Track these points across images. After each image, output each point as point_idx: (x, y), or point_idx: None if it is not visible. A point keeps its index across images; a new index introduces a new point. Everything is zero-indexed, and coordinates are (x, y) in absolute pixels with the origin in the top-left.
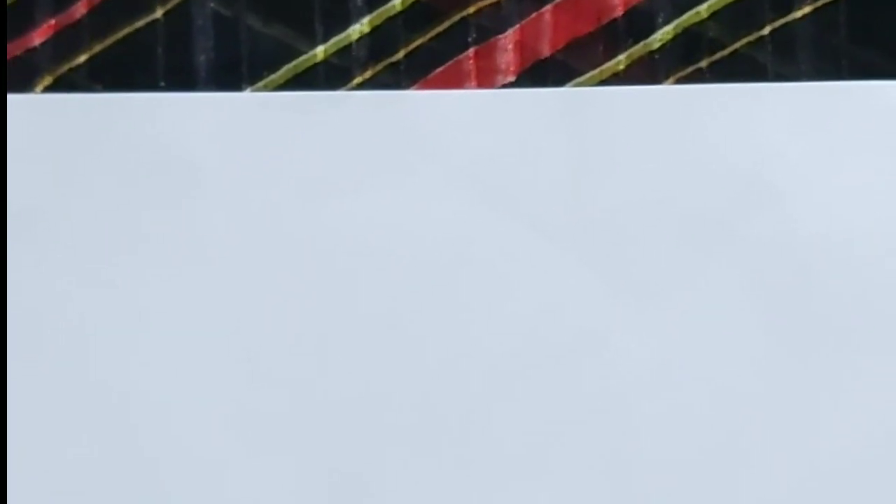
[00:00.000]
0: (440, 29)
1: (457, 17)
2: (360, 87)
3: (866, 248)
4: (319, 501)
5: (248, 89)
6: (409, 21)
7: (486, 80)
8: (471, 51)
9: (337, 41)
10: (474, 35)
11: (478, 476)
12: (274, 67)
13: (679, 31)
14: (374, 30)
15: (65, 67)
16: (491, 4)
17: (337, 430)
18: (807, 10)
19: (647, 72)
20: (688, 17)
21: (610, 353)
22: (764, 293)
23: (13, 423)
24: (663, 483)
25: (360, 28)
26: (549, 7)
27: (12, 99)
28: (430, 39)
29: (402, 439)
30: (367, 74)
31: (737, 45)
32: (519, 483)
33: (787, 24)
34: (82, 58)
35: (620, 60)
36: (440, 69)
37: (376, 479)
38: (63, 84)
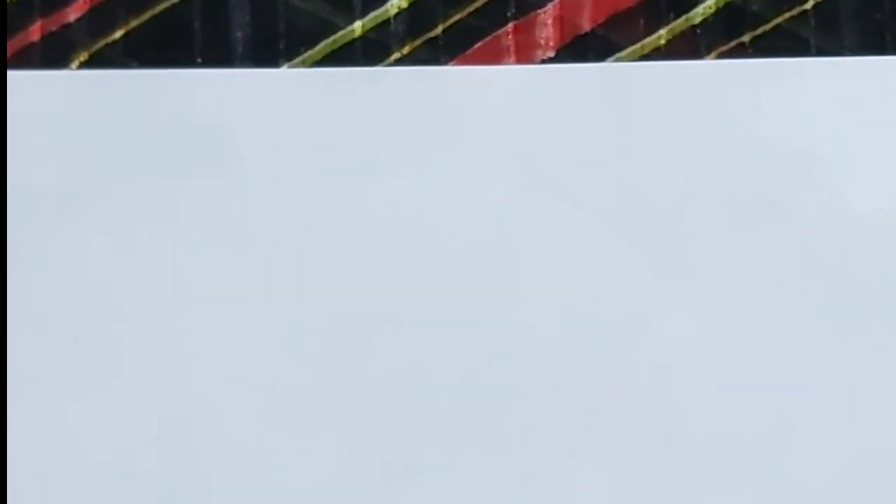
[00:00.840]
0: (479, 4)
1: None
2: (398, 62)
3: None
4: (366, 483)
5: (286, 65)
6: None
7: (524, 55)
8: (510, 26)
9: (375, 16)
10: (513, 10)
11: (523, 455)
12: (311, 43)
13: (721, 5)
14: (412, 5)
15: (101, 43)
16: None
17: (381, 411)
18: None
19: (688, 46)
20: None
21: (655, 334)
22: (812, 271)
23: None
24: (710, 463)
25: (398, 3)
26: None
27: (48, 74)
28: (469, 14)
29: (446, 420)
30: (405, 50)
31: (779, 19)
32: (564, 462)
33: None
34: (118, 33)
35: (661, 35)
36: (479, 45)
37: (422, 460)
38: (99, 60)
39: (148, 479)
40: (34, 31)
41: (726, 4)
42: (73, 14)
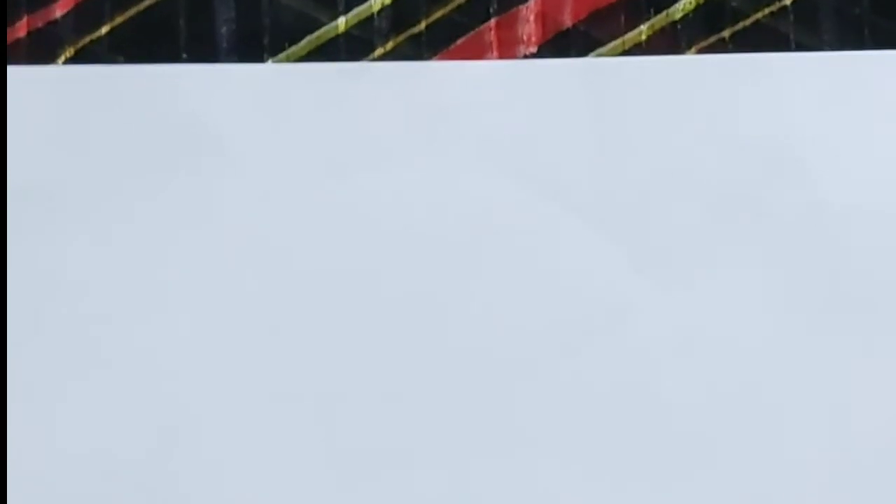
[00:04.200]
0: (461, 0)
1: None
2: (382, 58)
3: (891, 218)
4: (342, 479)
5: (270, 61)
6: None
7: (507, 51)
8: (492, 21)
9: (358, 12)
10: (496, 6)
11: (501, 450)
12: (295, 39)
13: (701, 0)
14: (396, 1)
15: (86, 39)
16: None
17: (361, 406)
18: None
19: (669, 42)
20: None
21: (634, 327)
22: (790, 265)
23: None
24: (691, 457)
25: None
26: None
27: (35, 70)
28: (452, 11)
29: (427, 414)
30: (389, 46)
31: (759, 14)
32: (546, 456)
33: None
34: (104, 29)
35: (642, 31)
36: (461, 40)
37: (402, 454)
38: (85, 56)
39: (129, 474)
40: (20, 28)
41: (706, 0)
42: (58, 10)
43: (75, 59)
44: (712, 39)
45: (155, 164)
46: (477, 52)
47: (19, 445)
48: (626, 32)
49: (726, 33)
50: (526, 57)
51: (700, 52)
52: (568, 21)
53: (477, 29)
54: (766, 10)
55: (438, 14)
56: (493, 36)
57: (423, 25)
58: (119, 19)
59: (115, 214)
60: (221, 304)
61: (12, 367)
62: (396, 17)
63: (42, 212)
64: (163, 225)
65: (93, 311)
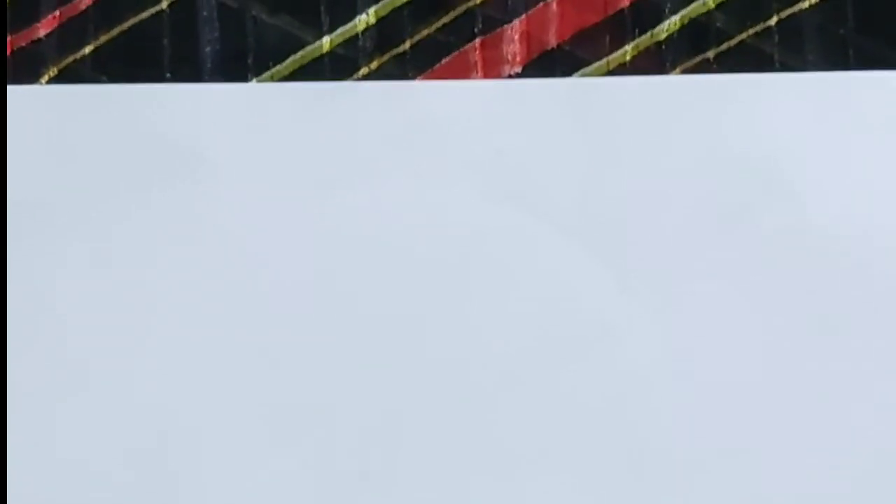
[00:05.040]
0: (446, 20)
1: (462, 8)
2: (366, 78)
3: (875, 237)
4: (330, 494)
5: (254, 80)
6: (415, 12)
7: (492, 70)
8: (477, 41)
9: (343, 32)
10: (481, 25)
11: (488, 467)
12: (280, 58)
13: (686, 21)
14: (380, 20)
15: (70, 59)
16: None
17: (348, 421)
18: (814, 0)
19: (653, 62)
20: (694, 8)
21: (620, 345)
22: (775, 284)
23: (13, 422)
24: (674, 474)
25: (366, 19)
26: None
27: (17, 90)
28: (437, 30)
29: (412, 430)
30: (373, 65)
31: (743, 35)
32: (530, 475)
33: (794, 14)
34: (87, 49)
35: (627, 51)
36: (446, 60)
37: (389, 471)
38: (68, 75)
39: (127, 482)
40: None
41: (691, 21)
42: (42, 30)
43: (59, 79)
44: (697, 60)
45: (138, 183)
46: (462, 72)
47: (19, 453)
48: (610, 52)
49: (711, 54)
50: (511, 77)
51: (685, 72)
52: (553, 41)
53: (462, 49)
54: (751, 31)
55: (423, 34)
56: (477, 56)
57: (407, 45)
58: (103, 39)
59: (96, 234)
60: (206, 322)
61: (12, 375)
62: (381, 37)
63: (38, 225)
64: (145, 244)
65: (89, 319)
